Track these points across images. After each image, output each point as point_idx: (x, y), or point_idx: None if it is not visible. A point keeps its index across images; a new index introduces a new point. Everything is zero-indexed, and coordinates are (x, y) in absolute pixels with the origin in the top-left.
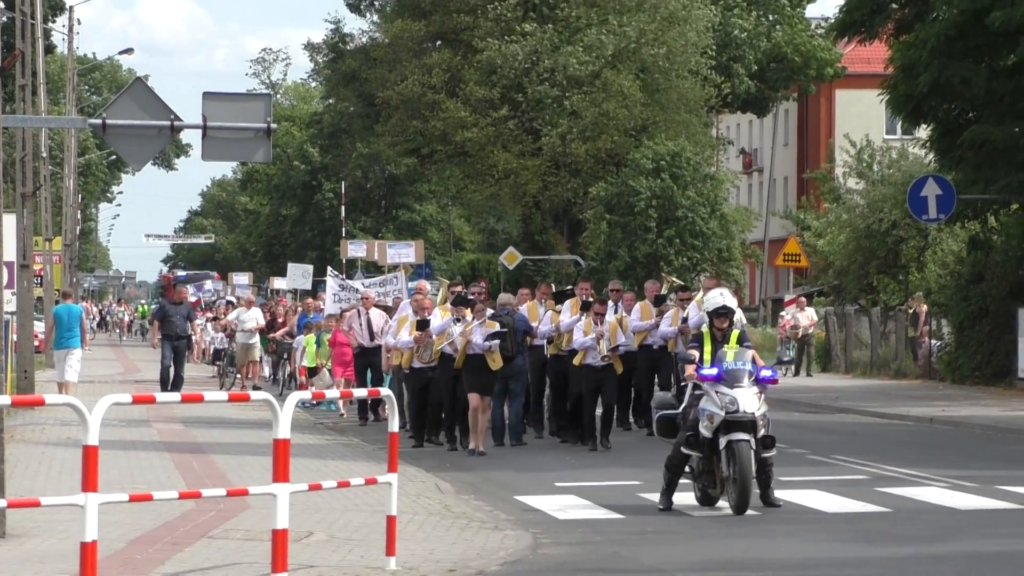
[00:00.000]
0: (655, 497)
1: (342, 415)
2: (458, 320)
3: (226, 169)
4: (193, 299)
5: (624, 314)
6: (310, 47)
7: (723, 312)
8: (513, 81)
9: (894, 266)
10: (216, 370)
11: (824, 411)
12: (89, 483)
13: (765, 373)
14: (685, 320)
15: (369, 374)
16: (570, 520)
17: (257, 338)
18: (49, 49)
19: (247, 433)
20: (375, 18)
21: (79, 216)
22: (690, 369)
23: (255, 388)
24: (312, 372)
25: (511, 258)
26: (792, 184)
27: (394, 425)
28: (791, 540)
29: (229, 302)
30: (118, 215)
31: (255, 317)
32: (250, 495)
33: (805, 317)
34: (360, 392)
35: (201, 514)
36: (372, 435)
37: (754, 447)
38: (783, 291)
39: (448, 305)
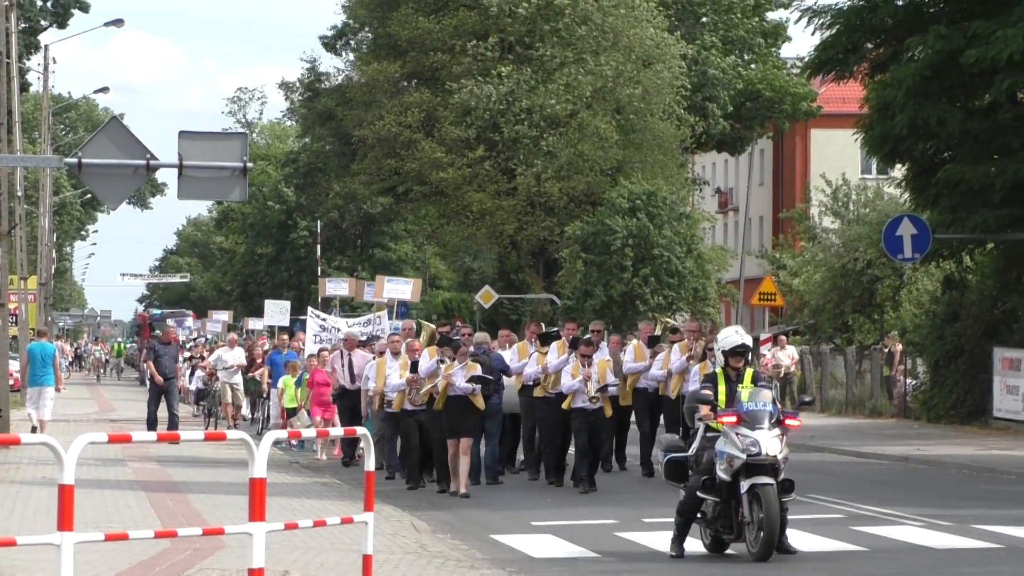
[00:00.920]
0: (631, 536)
1: (319, 458)
2: (442, 361)
3: (202, 208)
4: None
5: (607, 356)
6: (285, 86)
7: (739, 351)
8: (488, 121)
9: (869, 305)
10: (200, 409)
11: (799, 449)
12: (65, 522)
13: (788, 412)
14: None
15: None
16: (546, 559)
17: (239, 377)
18: (24, 88)
19: (223, 472)
20: (351, 57)
21: (54, 255)
22: (705, 410)
23: (235, 427)
24: (292, 413)
25: (487, 297)
26: (767, 223)
27: (370, 464)
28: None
29: (210, 341)
30: (93, 254)
31: (237, 356)
32: (226, 534)
33: (786, 355)
34: (336, 431)
35: (177, 553)
36: (348, 474)
37: (776, 491)
38: (758, 330)
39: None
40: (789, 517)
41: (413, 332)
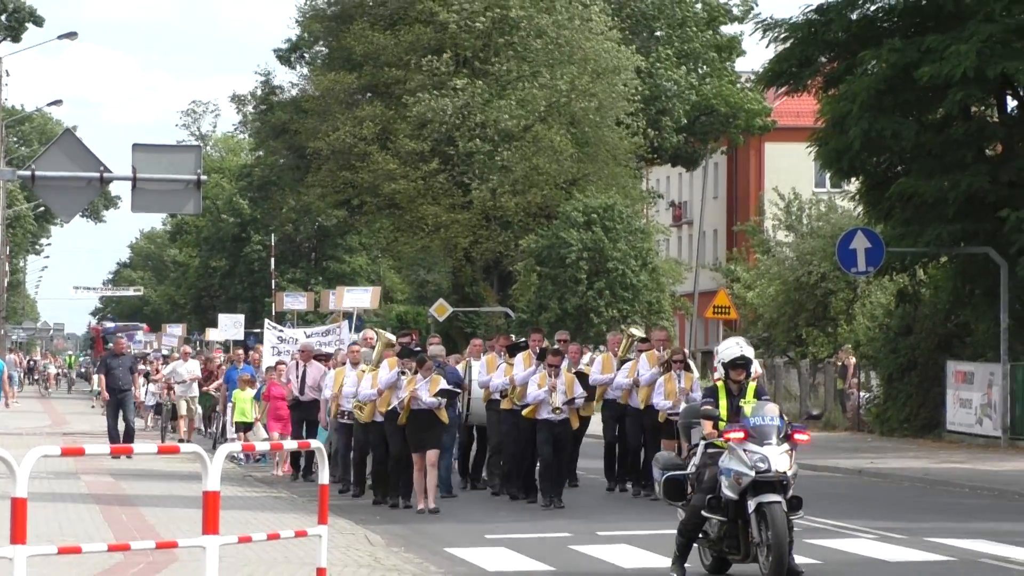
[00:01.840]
0: (586, 550)
1: (276, 473)
2: (403, 373)
3: (155, 221)
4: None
5: (571, 366)
6: (236, 99)
7: (740, 363)
8: (444, 135)
9: (823, 318)
10: (155, 423)
11: None
12: (18, 535)
13: (796, 426)
14: (640, 374)
15: (305, 428)
16: (500, 572)
17: (195, 391)
18: None
19: (177, 485)
20: (305, 71)
21: (7, 268)
22: (708, 426)
23: (190, 441)
24: (247, 427)
25: (441, 310)
26: (722, 236)
27: (324, 477)
28: None
29: (165, 356)
30: (46, 267)
31: (192, 369)
32: (180, 547)
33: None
34: (290, 444)
35: (130, 567)
36: (302, 487)
37: (785, 509)
38: (712, 343)
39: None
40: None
41: (373, 342)
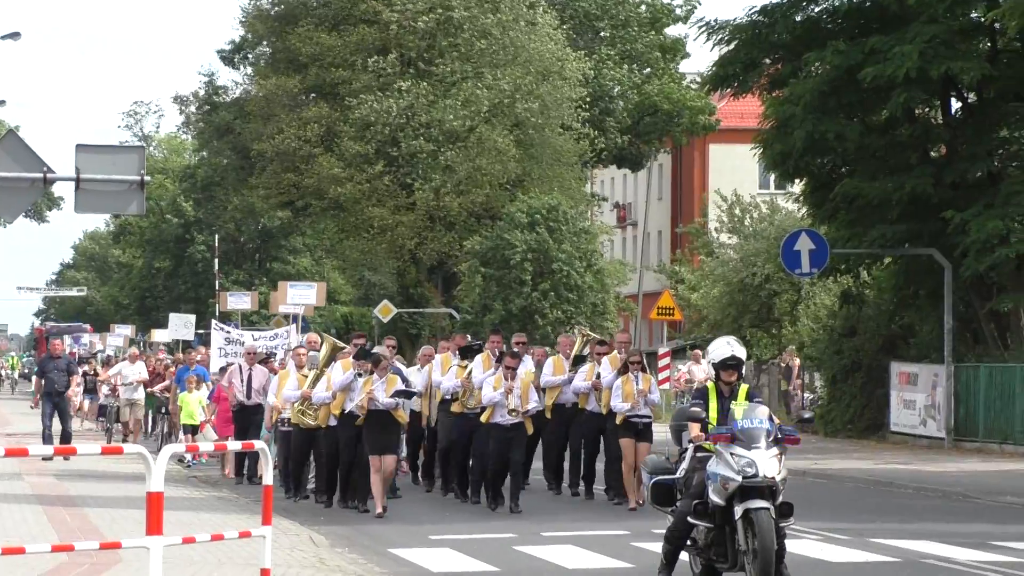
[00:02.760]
0: (530, 550)
1: (226, 475)
2: (360, 375)
3: (99, 222)
4: (70, 351)
5: (531, 369)
6: (179, 100)
7: (731, 364)
8: (388, 136)
9: (767, 320)
10: (101, 425)
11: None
12: None
13: (787, 430)
14: (599, 376)
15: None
16: (445, 573)
17: (141, 393)
18: None
19: (121, 486)
20: (249, 71)
21: None
22: (695, 430)
23: (135, 443)
24: (195, 430)
25: (385, 311)
26: (666, 238)
27: (268, 478)
28: None
29: (108, 356)
30: None
31: (139, 371)
32: (123, 548)
33: (701, 370)
34: (234, 445)
35: (74, 567)
36: (246, 489)
37: (773, 516)
38: (656, 344)
39: (352, 359)
40: None
41: (317, 345)
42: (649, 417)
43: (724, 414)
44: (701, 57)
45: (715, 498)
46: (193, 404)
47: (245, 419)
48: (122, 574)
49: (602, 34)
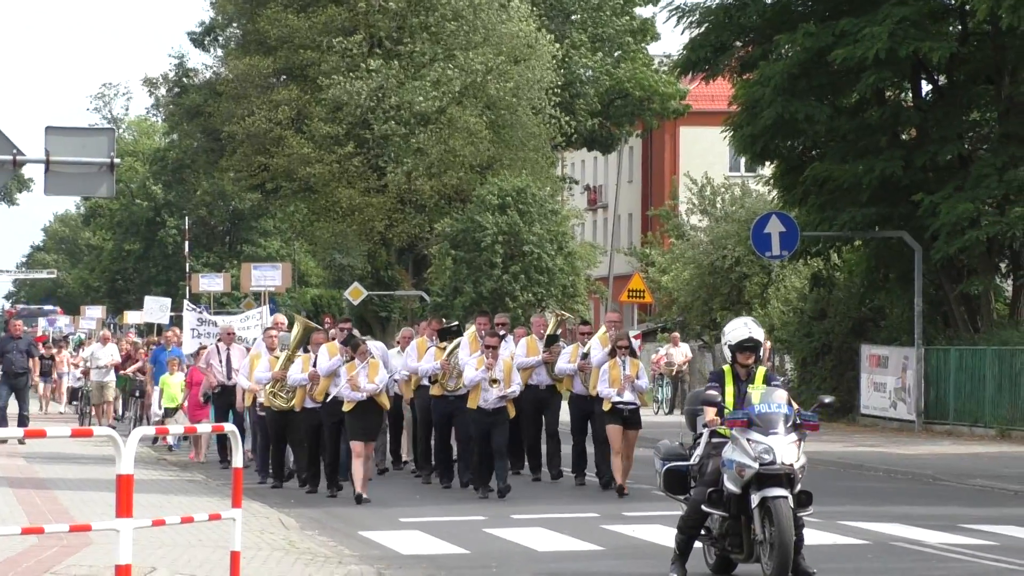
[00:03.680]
0: (500, 532)
1: (200, 460)
2: (347, 360)
3: (69, 204)
4: (43, 334)
5: (514, 350)
6: (148, 82)
7: (749, 346)
8: (359, 118)
9: (738, 302)
10: (73, 408)
11: None
12: None
13: (806, 415)
14: (585, 357)
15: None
16: (415, 555)
17: (112, 376)
18: None
19: (91, 469)
20: (219, 53)
21: None
22: (710, 414)
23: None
24: (174, 412)
25: (356, 293)
26: (636, 221)
27: (238, 461)
28: (632, 574)
29: (65, 338)
30: None
31: (110, 354)
32: (93, 531)
33: (679, 353)
34: (204, 428)
35: (43, 550)
36: (217, 471)
37: (791, 504)
38: (627, 327)
39: (338, 344)
40: (656, 512)
41: (285, 327)
42: (635, 404)
43: (741, 398)
44: (671, 39)
45: (730, 486)
46: (175, 386)
47: (226, 400)
48: (92, 556)
49: (573, 17)
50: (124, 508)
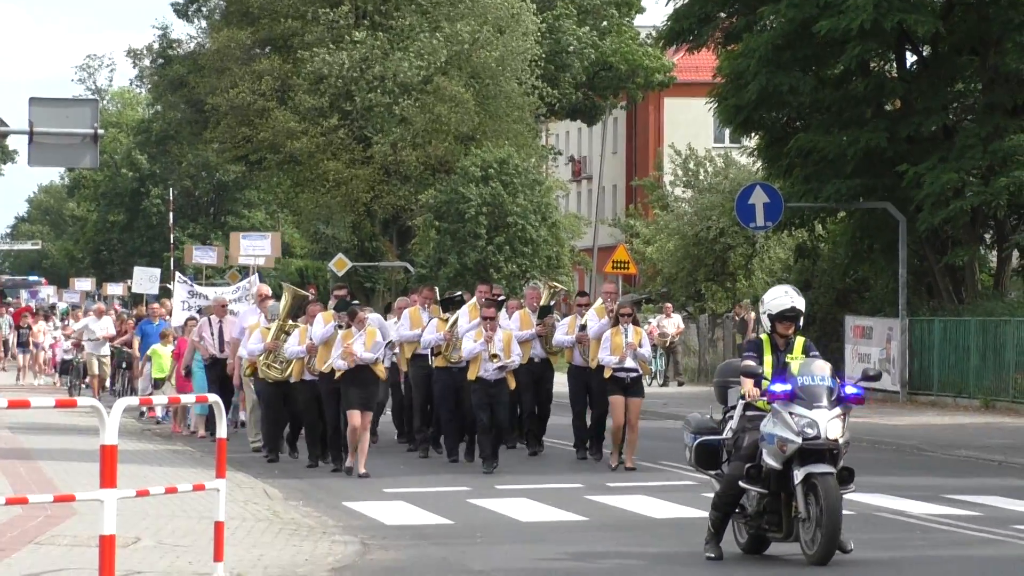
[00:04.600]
0: (484, 503)
1: (196, 433)
2: (340, 327)
3: (53, 175)
4: (27, 305)
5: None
6: (132, 53)
7: (790, 316)
8: (342, 89)
9: (722, 273)
10: (63, 381)
11: (652, 418)
12: None
13: (850, 390)
14: (583, 328)
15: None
16: (399, 526)
17: (107, 348)
18: None
19: (75, 439)
20: (203, 24)
21: None
22: (748, 385)
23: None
24: (159, 384)
25: (340, 264)
26: (621, 192)
27: (222, 431)
28: (617, 545)
29: (52, 307)
30: None
31: (105, 327)
32: (77, 501)
33: (672, 324)
34: (188, 399)
35: (27, 520)
36: (200, 442)
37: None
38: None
39: (333, 311)
40: (640, 483)
41: (267, 296)
42: (637, 371)
43: (779, 369)
44: (655, 12)
45: (770, 461)
46: (165, 357)
47: (217, 372)
48: (76, 527)
49: None
50: (108, 479)
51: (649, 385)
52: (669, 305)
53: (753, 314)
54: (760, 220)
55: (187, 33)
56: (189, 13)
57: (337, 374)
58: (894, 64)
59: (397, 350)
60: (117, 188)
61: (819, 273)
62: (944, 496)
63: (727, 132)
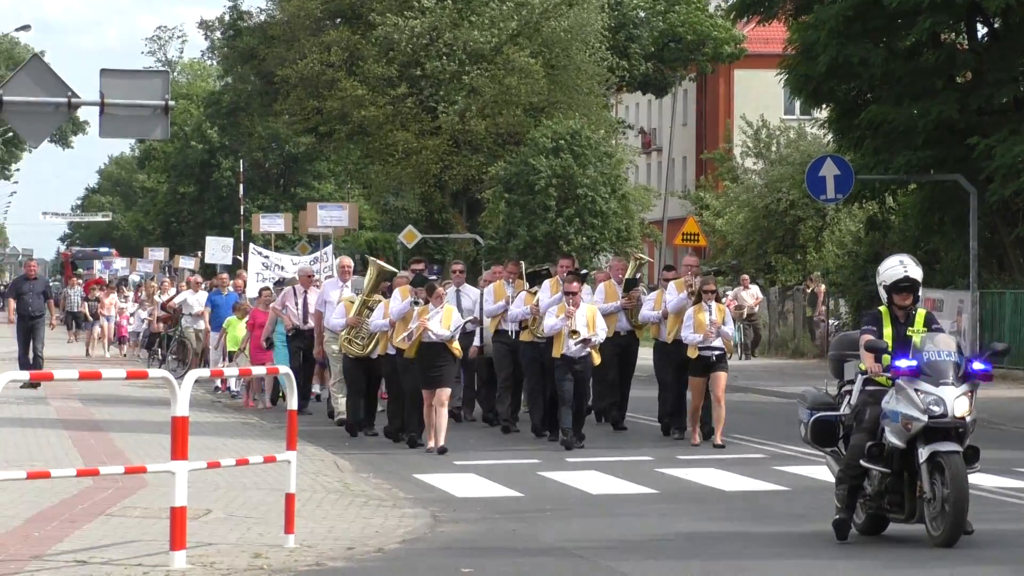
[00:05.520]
0: (554, 476)
1: (264, 406)
2: (416, 303)
3: (123, 147)
4: (99, 276)
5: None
6: (204, 25)
7: (905, 286)
8: (411, 57)
9: (792, 246)
10: (151, 356)
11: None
12: None
13: (977, 366)
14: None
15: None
16: (469, 498)
17: (203, 323)
18: None
19: (146, 411)
20: None
21: None
22: (870, 360)
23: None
24: (233, 356)
25: (410, 237)
26: (691, 164)
27: (292, 403)
28: (688, 517)
29: (124, 280)
30: (15, 192)
31: (202, 300)
32: (148, 473)
33: (750, 295)
34: (259, 370)
35: (99, 492)
36: (271, 414)
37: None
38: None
39: (409, 287)
40: (710, 456)
41: (350, 270)
42: (722, 349)
43: (901, 343)
44: None
45: (894, 439)
46: (240, 329)
47: (298, 344)
48: (147, 498)
49: None
50: (180, 450)
51: (729, 359)
52: (746, 276)
53: (823, 286)
54: (831, 192)
55: (257, 5)
56: None
57: (408, 350)
58: (965, 36)
59: (486, 323)
60: (187, 160)
61: (889, 246)
62: (1016, 470)
63: (797, 104)
